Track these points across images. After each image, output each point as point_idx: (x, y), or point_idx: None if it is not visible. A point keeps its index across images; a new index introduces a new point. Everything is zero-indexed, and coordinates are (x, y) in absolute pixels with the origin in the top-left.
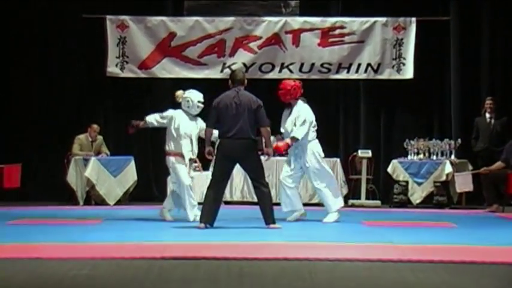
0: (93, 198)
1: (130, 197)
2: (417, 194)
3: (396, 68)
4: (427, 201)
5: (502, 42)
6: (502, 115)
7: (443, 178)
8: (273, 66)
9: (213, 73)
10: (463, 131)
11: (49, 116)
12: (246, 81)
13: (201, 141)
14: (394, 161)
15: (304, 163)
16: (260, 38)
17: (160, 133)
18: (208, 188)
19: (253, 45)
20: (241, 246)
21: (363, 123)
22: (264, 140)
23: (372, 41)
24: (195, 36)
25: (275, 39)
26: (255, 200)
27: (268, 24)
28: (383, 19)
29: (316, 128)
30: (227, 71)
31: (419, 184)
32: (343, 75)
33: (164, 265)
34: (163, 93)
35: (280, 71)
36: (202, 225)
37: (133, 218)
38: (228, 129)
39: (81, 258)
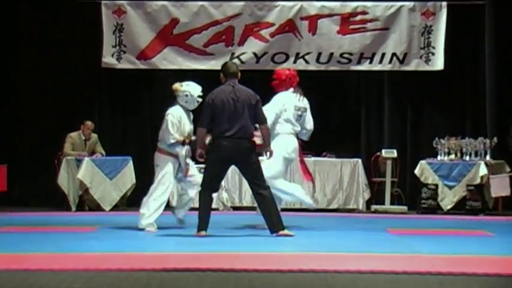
0: (86, 203)
1: (128, 202)
2: (448, 198)
3: (424, 58)
4: (459, 207)
5: None
6: None
7: (477, 181)
8: (287, 57)
9: (219, 64)
10: (499, 129)
11: (38, 112)
12: (239, 74)
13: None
14: (422, 162)
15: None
16: (272, 24)
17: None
18: (201, 192)
19: (264, 32)
20: (250, 256)
21: (387, 119)
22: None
23: (398, 28)
24: (200, 23)
25: (289, 26)
26: None
27: (281, 10)
28: (410, 3)
29: (291, 121)
30: (236, 61)
31: (450, 188)
32: (365, 66)
33: (165, 277)
34: (165, 86)
35: (294, 62)
36: (204, 233)
37: (131, 225)
38: (226, 128)
39: (74, 270)
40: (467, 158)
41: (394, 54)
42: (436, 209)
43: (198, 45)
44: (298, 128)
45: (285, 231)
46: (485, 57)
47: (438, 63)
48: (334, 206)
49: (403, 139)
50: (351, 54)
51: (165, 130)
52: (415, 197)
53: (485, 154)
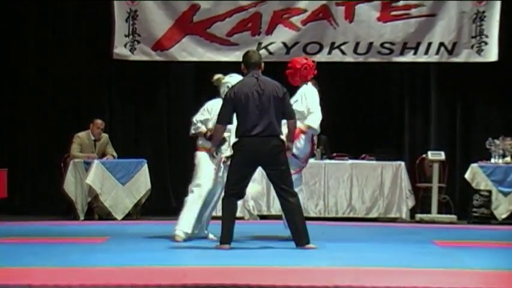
0: (96, 211)
1: (143, 210)
2: (503, 206)
3: (476, 48)
4: None
5: None
6: None
7: None
8: (321, 47)
9: (243, 54)
10: None
11: (41, 110)
12: (263, 64)
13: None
14: (474, 166)
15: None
16: (304, 11)
17: (179, 131)
18: (224, 199)
19: (296, 20)
20: (280, 271)
21: (433, 117)
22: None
23: (446, 14)
24: (223, 9)
25: (323, 13)
26: None
27: None
28: None
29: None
30: (264, 52)
31: (505, 194)
32: (409, 57)
33: None
34: (184, 81)
35: (329, 53)
36: (227, 246)
37: (145, 235)
38: (252, 125)
39: (82, 286)
40: None
41: (441, 44)
42: (490, 219)
43: (221, 34)
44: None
45: (310, 245)
46: None
47: (492, 53)
48: (373, 214)
49: (452, 139)
50: (392, 43)
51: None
52: (465, 205)
53: None
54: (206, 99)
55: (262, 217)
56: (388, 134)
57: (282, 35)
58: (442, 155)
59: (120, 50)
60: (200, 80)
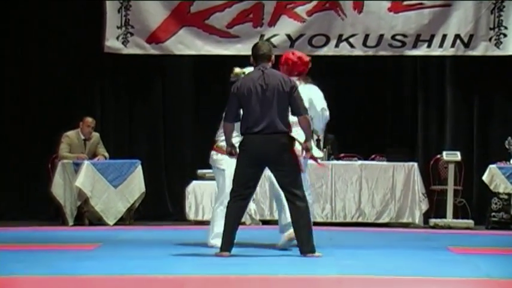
0: (86, 216)
1: (136, 215)
2: None
3: (494, 40)
4: None
5: None
6: None
7: None
8: (328, 39)
9: (246, 48)
10: None
11: (28, 108)
12: (273, 56)
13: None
14: (492, 167)
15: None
16: (310, 0)
17: (176, 130)
18: (230, 202)
19: (300, 10)
20: (284, 280)
21: (449, 115)
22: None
23: (462, 4)
24: None
25: (330, 3)
26: None
27: None
28: None
29: None
30: None
31: None
32: (422, 50)
33: None
34: (181, 76)
35: (337, 46)
36: (227, 253)
37: (139, 242)
38: (254, 122)
39: None
40: None
41: (457, 36)
42: (509, 224)
43: (221, 26)
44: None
45: (314, 254)
46: None
47: (511, 46)
48: (384, 219)
49: (468, 139)
50: (405, 36)
51: None
52: (483, 209)
53: None
54: (205, 95)
55: (265, 222)
56: (400, 132)
57: (285, 27)
58: (458, 156)
59: (112, 42)
60: (198, 75)
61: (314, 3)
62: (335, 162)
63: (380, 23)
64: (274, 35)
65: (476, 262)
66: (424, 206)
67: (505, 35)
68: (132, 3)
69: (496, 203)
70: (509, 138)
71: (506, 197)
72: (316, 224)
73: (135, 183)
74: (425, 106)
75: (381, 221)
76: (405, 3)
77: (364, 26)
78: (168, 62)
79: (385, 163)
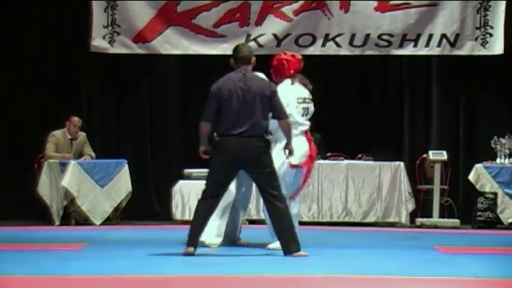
0: (72, 215)
1: (123, 215)
2: (509, 210)
3: (481, 40)
4: None
5: None
6: None
7: None
8: (314, 39)
9: (233, 48)
10: None
11: (13, 107)
12: (254, 59)
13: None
14: (478, 166)
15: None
16: (297, 0)
17: (162, 129)
18: (200, 200)
19: (287, 10)
20: (270, 279)
21: (435, 114)
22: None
23: (448, 4)
24: None
25: (317, 3)
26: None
27: None
28: None
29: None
30: (253, 44)
31: None
32: (408, 50)
33: None
34: (167, 75)
35: (323, 45)
36: (192, 249)
37: (126, 242)
38: (233, 124)
39: None
40: None
41: (443, 36)
42: (495, 223)
43: (207, 26)
44: (306, 126)
45: (300, 252)
46: None
47: (497, 46)
48: (371, 219)
49: (454, 138)
50: (391, 35)
51: None
52: (469, 209)
53: None
54: (192, 95)
55: (251, 222)
56: (387, 132)
57: (272, 26)
58: (444, 155)
59: (98, 42)
60: (185, 75)
61: (301, 2)
62: (321, 161)
63: (366, 23)
64: (261, 35)
65: (462, 261)
66: (411, 206)
67: (491, 35)
68: (118, 2)
69: (482, 203)
70: (495, 137)
71: (492, 196)
72: (303, 223)
73: (122, 183)
74: (411, 105)
75: (367, 220)
76: (391, 2)
77: (350, 25)
78: (155, 61)
79: (371, 163)
